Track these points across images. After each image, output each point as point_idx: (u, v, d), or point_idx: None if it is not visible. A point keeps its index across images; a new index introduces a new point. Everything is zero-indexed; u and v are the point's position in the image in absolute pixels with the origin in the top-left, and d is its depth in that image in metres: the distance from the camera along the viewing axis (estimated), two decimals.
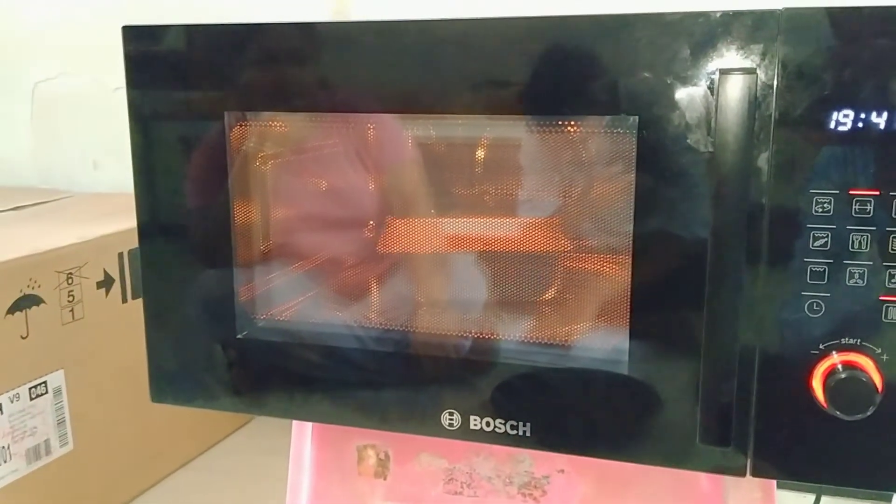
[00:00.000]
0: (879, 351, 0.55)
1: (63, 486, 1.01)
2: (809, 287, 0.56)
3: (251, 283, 0.72)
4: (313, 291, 0.77)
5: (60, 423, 1.00)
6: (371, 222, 0.79)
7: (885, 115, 0.53)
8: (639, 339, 0.60)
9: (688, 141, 0.56)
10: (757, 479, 0.60)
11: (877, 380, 0.54)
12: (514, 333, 0.67)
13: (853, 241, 0.54)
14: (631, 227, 0.59)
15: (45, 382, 0.97)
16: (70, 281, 1.00)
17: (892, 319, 0.55)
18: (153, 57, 0.68)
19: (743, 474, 0.59)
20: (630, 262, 0.59)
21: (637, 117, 0.57)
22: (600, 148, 0.62)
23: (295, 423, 0.85)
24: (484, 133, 0.70)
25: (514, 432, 0.65)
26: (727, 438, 0.57)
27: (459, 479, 0.82)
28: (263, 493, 1.10)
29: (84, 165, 1.50)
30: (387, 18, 0.62)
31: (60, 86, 1.50)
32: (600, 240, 0.64)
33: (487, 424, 0.65)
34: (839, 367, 0.55)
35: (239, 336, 0.71)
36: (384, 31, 0.63)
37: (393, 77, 0.63)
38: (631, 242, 0.59)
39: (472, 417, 0.66)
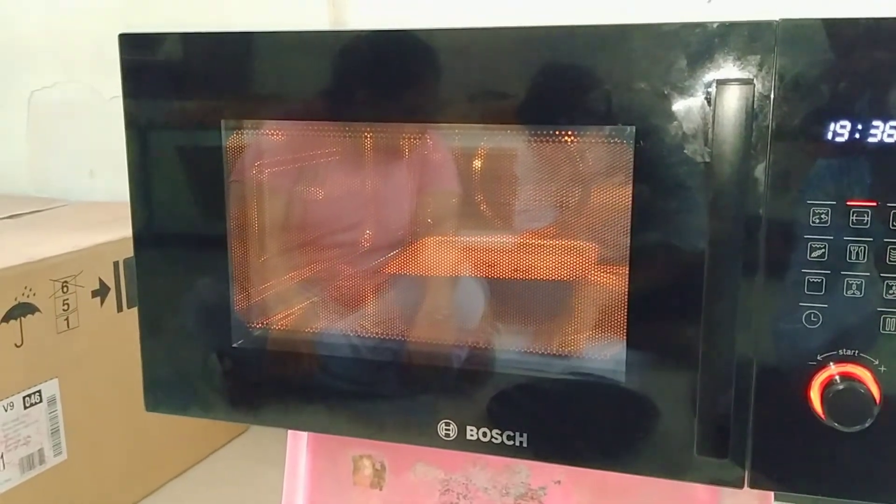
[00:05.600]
0: (877, 362, 0.55)
1: (57, 496, 1.00)
2: (807, 298, 0.56)
3: (247, 292, 0.72)
4: (309, 300, 0.77)
5: (54, 432, 0.99)
6: (367, 232, 0.79)
7: (882, 126, 0.53)
8: (636, 350, 0.60)
9: (685, 151, 0.56)
10: (754, 491, 0.60)
11: (875, 391, 0.54)
12: (511, 344, 0.67)
13: (850, 253, 0.54)
14: (628, 238, 0.59)
15: (39, 391, 0.97)
16: (65, 289, 1.00)
17: (889, 331, 0.54)
18: (150, 65, 0.68)
19: (740, 486, 0.59)
20: (627, 272, 0.59)
21: (634, 128, 0.57)
22: (598, 158, 0.62)
23: (290, 432, 0.84)
24: (481, 143, 0.70)
25: (511, 443, 0.64)
26: (724, 450, 0.57)
27: (456, 489, 0.81)
28: (259, 502, 1.10)
29: (80, 174, 1.50)
30: (384, 28, 0.62)
31: (57, 94, 1.50)
32: (598, 250, 0.64)
33: (484, 435, 0.65)
34: (837, 378, 0.55)
35: (234, 345, 0.71)
36: (381, 40, 0.63)
37: (390, 86, 0.63)
38: (628, 253, 0.59)
39: (468, 427, 0.65)
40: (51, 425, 0.99)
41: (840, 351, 0.56)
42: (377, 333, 0.70)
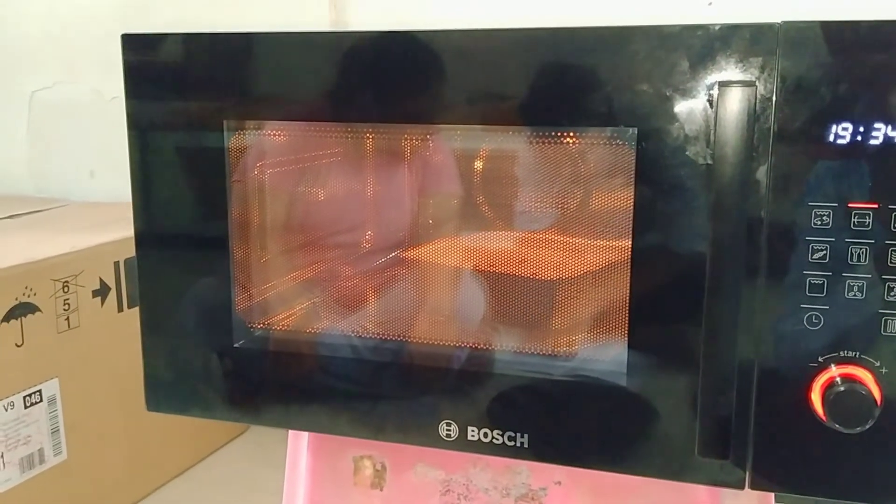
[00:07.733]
0: (878, 364, 0.55)
1: (56, 496, 1.00)
2: (808, 300, 0.56)
3: (248, 293, 0.72)
4: (311, 301, 0.77)
5: (54, 431, 0.99)
6: (369, 233, 0.79)
7: (883, 128, 0.53)
8: (637, 352, 0.60)
9: (687, 153, 0.56)
10: (755, 493, 0.60)
11: (876, 393, 0.54)
12: (512, 344, 0.67)
13: (852, 254, 0.54)
14: (630, 239, 0.59)
15: (39, 391, 0.97)
16: (66, 289, 1.00)
17: (890, 332, 0.54)
18: (152, 66, 0.68)
19: (741, 487, 0.59)
20: (629, 274, 0.59)
21: (636, 129, 0.57)
22: (599, 160, 0.62)
23: (291, 432, 0.84)
24: (482, 144, 0.70)
25: (512, 443, 0.64)
26: (726, 451, 0.57)
27: (456, 490, 0.81)
28: (259, 503, 1.09)
29: (80, 174, 1.50)
30: (385, 29, 0.62)
31: (57, 95, 1.50)
32: (599, 251, 0.64)
33: (485, 435, 0.65)
34: (838, 379, 0.55)
35: (235, 345, 0.71)
36: (383, 42, 0.63)
37: (391, 88, 0.63)
38: (630, 254, 0.59)
39: (469, 428, 0.65)
40: (51, 425, 0.99)
41: (841, 352, 0.56)
42: (378, 334, 0.71)
